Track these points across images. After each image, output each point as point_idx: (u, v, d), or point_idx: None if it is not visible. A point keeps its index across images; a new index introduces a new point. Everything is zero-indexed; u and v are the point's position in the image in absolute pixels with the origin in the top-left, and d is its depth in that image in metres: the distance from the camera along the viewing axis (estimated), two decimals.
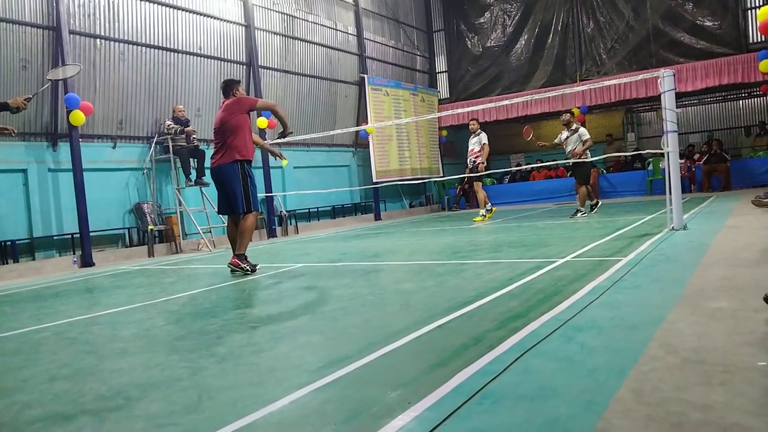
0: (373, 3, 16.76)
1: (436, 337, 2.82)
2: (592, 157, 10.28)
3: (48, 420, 2.16)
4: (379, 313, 3.55)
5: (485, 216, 11.04)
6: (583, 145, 9.87)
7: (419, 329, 2.94)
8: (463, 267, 5.17)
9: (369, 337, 2.91)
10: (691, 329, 2.52)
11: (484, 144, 10.82)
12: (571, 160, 9.81)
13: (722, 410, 1.70)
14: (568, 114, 10.33)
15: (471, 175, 11.06)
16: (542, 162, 16.80)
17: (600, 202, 10.56)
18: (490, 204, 11.31)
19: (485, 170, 10.81)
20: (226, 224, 6.43)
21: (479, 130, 11.01)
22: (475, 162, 10.88)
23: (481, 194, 11.18)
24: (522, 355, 2.36)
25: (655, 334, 2.48)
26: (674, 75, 6.52)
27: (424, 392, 2.03)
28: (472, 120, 11.35)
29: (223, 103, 6.13)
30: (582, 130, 10.02)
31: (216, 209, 6.50)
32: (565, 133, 10.18)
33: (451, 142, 19.56)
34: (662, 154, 6.61)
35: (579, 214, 9.87)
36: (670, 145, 6.39)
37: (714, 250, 4.71)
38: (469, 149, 11.05)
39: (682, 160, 12.18)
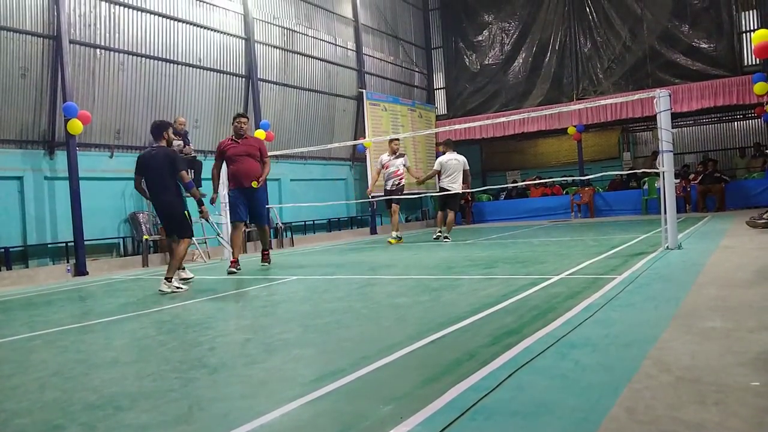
0: (372, 19, 16.89)
1: (429, 352, 2.81)
2: (590, 175, 10.38)
3: (37, 429, 2.14)
4: (373, 327, 3.53)
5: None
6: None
7: (413, 344, 2.93)
8: (458, 282, 5.17)
9: (362, 351, 2.90)
10: (685, 348, 2.52)
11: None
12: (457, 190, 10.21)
13: (715, 430, 1.69)
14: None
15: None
16: (540, 179, 16.85)
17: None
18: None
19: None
20: (237, 231, 7.58)
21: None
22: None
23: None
24: (516, 371, 2.35)
25: (649, 353, 2.48)
26: (670, 95, 6.57)
27: (417, 407, 2.02)
28: (395, 141, 10.98)
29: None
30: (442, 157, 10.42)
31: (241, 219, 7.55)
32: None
33: None
34: (657, 174, 6.64)
35: (445, 239, 10.27)
36: (666, 164, 6.43)
37: (708, 270, 4.72)
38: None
39: (678, 180, 12.27)
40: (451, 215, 10.56)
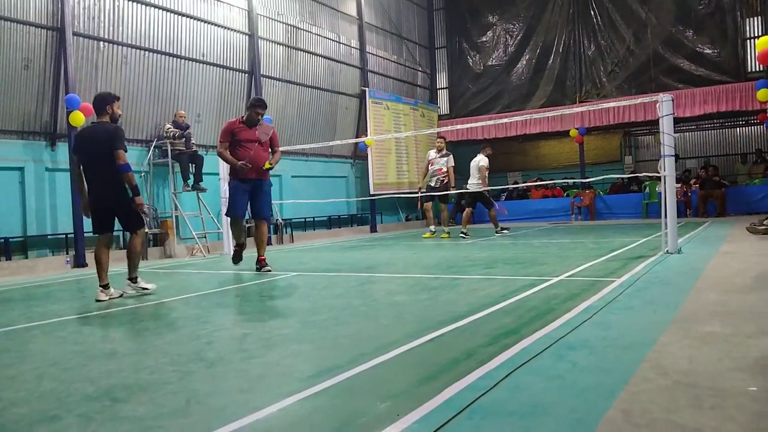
0: (377, 18, 16.88)
1: (427, 351, 2.81)
2: (591, 177, 10.48)
3: (34, 418, 2.14)
4: (371, 324, 3.54)
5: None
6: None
7: (411, 342, 2.94)
8: (457, 282, 5.17)
9: (360, 348, 2.90)
10: (683, 352, 2.52)
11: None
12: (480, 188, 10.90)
13: None
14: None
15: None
16: (541, 180, 16.83)
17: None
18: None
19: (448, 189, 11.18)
20: (237, 226, 6.95)
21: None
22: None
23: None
24: (513, 371, 2.36)
25: (646, 356, 2.48)
26: (673, 100, 6.57)
27: (414, 405, 2.02)
28: (440, 138, 11.55)
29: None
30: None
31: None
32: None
33: None
34: (659, 178, 6.64)
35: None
36: (667, 169, 6.42)
37: (708, 275, 4.72)
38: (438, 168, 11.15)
39: (679, 185, 12.30)
40: (466, 212, 11.39)
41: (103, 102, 5.15)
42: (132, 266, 5.22)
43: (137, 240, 5.23)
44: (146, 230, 9.69)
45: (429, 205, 11.57)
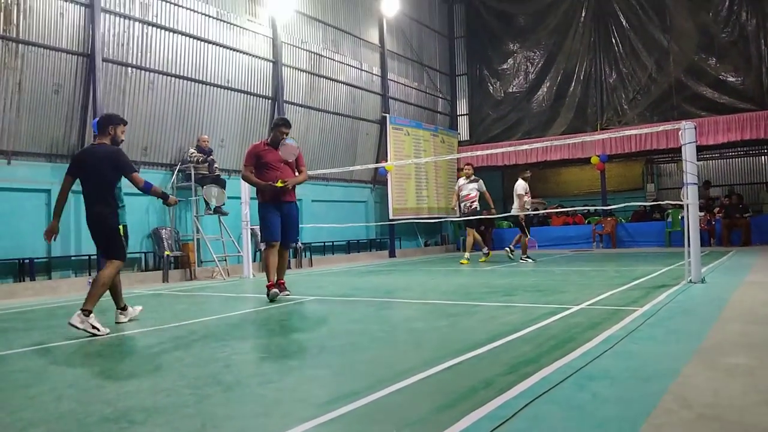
0: (398, 45, 17.09)
1: (445, 378, 2.79)
2: (613, 205, 10.42)
3: None
4: (389, 351, 3.51)
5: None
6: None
7: (429, 369, 2.91)
8: (476, 309, 5.12)
9: (377, 374, 2.88)
10: (708, 384, 2.46)
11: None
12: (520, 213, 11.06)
13: None
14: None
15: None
16: (562, 207, 16.71)
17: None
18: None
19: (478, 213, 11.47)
20: (274, 251, 6.44)
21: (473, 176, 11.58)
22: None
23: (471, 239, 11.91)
24: (532, 401, 2.32)
25: (669, 387, 2.42)
26: (695, 128, 6.50)
27: None
28: (467, 165, 11.82)
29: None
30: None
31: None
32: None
33: None
34: (682, 206, 6.55)
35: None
36: (690, 197, 6.33)
37: (732, 306, 4.62)
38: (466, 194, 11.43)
39: (702, 213, 12.12)
40: (522, 238, 11.43)
41: (108, 122, 4.97)
42: (91, 296, 4.55)
43: (109, 270, 4.73)
44: (168, 252, 9.80)
45: (470, 231, 11.76)
